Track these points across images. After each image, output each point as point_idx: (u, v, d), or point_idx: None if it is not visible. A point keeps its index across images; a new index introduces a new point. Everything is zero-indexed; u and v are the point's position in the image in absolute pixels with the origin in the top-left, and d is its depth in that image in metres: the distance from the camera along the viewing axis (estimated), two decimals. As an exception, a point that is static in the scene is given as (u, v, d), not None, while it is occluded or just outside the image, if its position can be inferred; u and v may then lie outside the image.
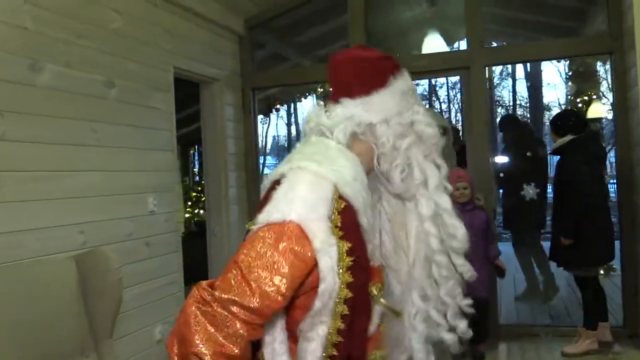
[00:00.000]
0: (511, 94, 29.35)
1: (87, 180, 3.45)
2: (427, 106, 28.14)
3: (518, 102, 29.11)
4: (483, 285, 4.07)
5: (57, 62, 3.25)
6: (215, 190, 4.99)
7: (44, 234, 3.08)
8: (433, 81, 27.31)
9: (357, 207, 1.31)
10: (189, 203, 8.46)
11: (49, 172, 3.18)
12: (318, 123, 1.42)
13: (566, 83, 15.51)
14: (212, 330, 1.15)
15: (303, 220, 1.22)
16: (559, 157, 4.60)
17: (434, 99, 30.09)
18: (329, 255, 1.23)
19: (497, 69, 28.98)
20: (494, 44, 7.73)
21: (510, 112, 29.28)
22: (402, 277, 1.47)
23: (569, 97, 8.80)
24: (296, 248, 1.21)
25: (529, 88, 26.76)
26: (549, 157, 6.26)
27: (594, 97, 7.97)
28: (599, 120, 8.67)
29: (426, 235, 1.43)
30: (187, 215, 8.41)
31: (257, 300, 1.17)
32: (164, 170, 4.20)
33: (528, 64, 23.41)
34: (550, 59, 9.34)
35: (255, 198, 5.49)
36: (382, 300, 1.43)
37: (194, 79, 4.82)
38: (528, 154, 5.55)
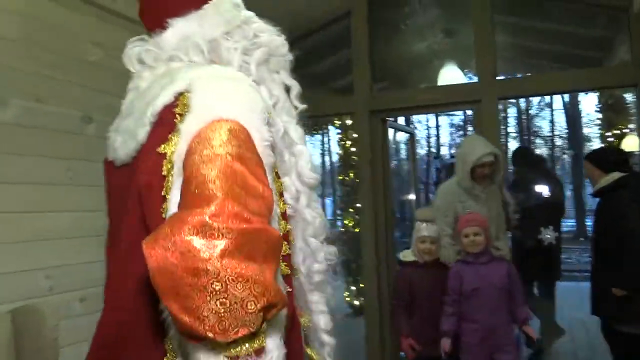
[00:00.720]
0: (550, 124, 28.75)
1: (57, 221, 3.27)
2: (463, 134, 27.38)
3: (557, 132, 28.46)
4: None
5: (25, 96, 3.10)
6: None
7: (4, 280, 2.89)
8: (468, 111, 26.94)
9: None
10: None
11: (13, 213, 3.00)
12: (159, 54, 1.20)
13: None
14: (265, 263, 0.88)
15: (247, 122, 1.01)
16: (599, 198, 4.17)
17: (469, 127, 29.66)
18: (269, 171, 1.03)
19: (535, 100, 28.51)
20: (519, 75, 7.42)
21: (548, 143, 28.60)
22: None
23: (599, 130, 8.36)
24: (251, 145, 0.99)
25: (567, 119, 26.11)
26: (589, 197, 5.79)
27: (626, 130, 7.52)
28: (633, 155, 8.20)
29: None
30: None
31: (265, 191, 0.95)
32: (148, 210, 3.99)
33: (566, 95, 22.85)
34: (568, 92, 8.94)
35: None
36: (285, 247, 1.19)
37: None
38: (546, 193, 5.13)
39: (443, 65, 6.27)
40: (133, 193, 1.08)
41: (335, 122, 8.04)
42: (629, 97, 7.62)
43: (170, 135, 1.03)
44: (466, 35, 5.75)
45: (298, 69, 5.00)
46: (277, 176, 1.11)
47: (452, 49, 6.26)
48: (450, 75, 6.22)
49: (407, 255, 3.90)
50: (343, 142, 7.67)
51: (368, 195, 4.92)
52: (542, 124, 29.81)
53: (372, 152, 4.94)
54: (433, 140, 32.08)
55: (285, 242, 1.07)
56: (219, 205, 0.88)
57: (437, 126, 31.83)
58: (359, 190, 5.10)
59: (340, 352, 1.30)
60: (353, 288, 7.47)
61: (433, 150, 31.05)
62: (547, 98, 27.32)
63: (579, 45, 6.00)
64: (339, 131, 7.94)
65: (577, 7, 4.93)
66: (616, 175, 4.00)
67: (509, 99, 9.46)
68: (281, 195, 1.12)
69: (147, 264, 0.86)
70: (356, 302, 7.17)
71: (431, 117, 30.91)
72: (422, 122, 31.52)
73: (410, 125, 27.50)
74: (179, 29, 1.19)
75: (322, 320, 1.27)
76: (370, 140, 4.95)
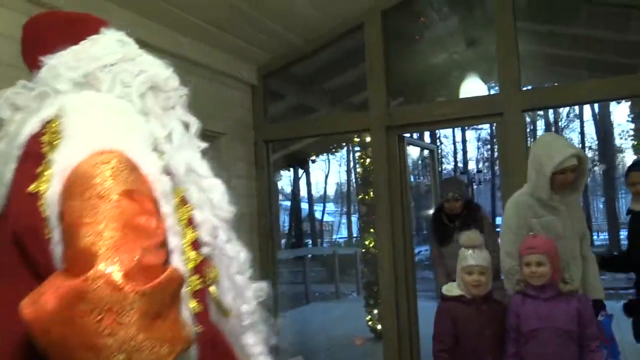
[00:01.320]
0: (579, 136, 28.10)
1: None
2: (490, 148, 26.76)
3: (588, 144, 27.78)
4: None
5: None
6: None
7: None
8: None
9: None
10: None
11: None
12: (29, 94, 1.15)
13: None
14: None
15: (130, 150, 0.95)
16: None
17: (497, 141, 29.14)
18: (166, 198, 0.98)
19: (564, 111, 27.91)
20: (545, 85, 7.11)
21: (579, 155, 27.84)
22: None
23: (632, 140, 7.98)
24: (139, 176, 0.94)
25: (597, 130, 25.46)
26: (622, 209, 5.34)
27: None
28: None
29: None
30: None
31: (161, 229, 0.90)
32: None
33: (596, 105, 22.27)
34: (598, 101, 8.55)
35: (270, 261, 5.00)
36: (213, 289, 1.11)
37: (194, 134, 4.43)
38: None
39: (464, 77, 6.00)
40: (6, 240, 0.97)
41: (355, 139, 7.79)
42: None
43: (39, 170, 0.93)
44: (488, 44, 5.48)
45: (313, 85, 4.71)
46: (183, 202, 1.05)
47: (474, 60, 5.99)
48: (473, 87, 5.94)
49: (451, 289, 3.25)
50: (362, 160, 7.41)
51: (385, 214, 4.63)
52: (572, 136, 29.16)
53: (389, 169, 4.66)
54: (460, 155, 31.63)
55: (198, 276, 1.01)
56: (113, 263, 0.78)
57: (464, 140, 31.37)
58: (376, 210, 4.80)
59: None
60: (375, 311, 7.15)
61: (460, 165, 30.58)
62: (577, 109, 26.74)
63: (612, 51, 5.65)
64: (358, 148, 7.70)
65: (608, 10, 4.60)
66: None
67: (535, 110, 9.01)
68: (189, 222, 1.05)
69: (31, 334, 0.78)
70: (379, 326, 6.85)
71: (457, 132, 30.51)
72: (449, 137, 31.15)
73: (437, 140, 27.27)
74: (52, 65, 1.13)
75: None
76: (387, 157, 4.67)
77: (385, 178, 4.65)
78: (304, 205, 29.10)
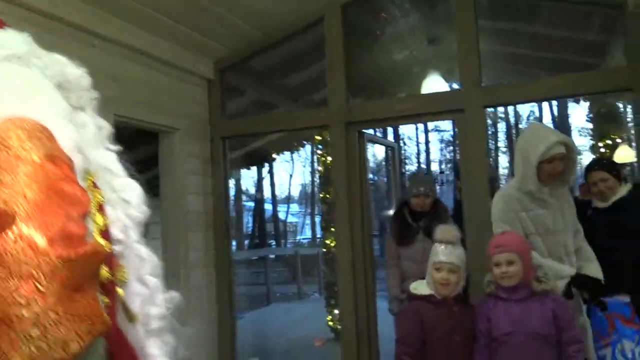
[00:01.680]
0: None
1: None
2: (452, 150, 26.98)
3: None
4: None
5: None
6: (174, 254, 4.35)
7: None
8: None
9: None
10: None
11: None
12: None
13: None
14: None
15: (46, 120, 0.86)
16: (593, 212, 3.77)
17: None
18: (80, 175, 0.88)
19: (524, 113, 28.39)
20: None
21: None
22: None
23: (591, 140, 8.09)
24: (57, 145, 0.83)
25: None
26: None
27: (619, 140, 7.21)
28: (627, 165, 7.93)
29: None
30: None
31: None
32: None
33: (555, 106, 22.70)
34: (559, 98, 8.66)
35: (226, 260, 4.85)
36: (121, 291, 0.99)
37: (146, 128, 4.26)
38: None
39: (426, 75, 5.95)
40: None
41: (317, 137, 7.67)
42: (622, 105, 7.34)
43: None
44: (450, 42, 5.44)
45: (273, 81, 4.56)
46: (95, 186, 0.95)
47: (436, 58, 5.95)
48: (434, 86, 5.89)
49: (419, 287, 3.00)
50: (324, 159, 7.30)
51: (344, 212, 4.53)
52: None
53: (348, 166, 4.56)
54: (423, 156, 31.87)
55: (108, 268, 0.91)
56: (36, 226, 0.69)
57: (427, 142, 31.60)
58: (335, 208, 4.70)
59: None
60: (336, 312, 7.05)
61: (423, 166, 30.80)
62: (536, 111, 27.23)
63: (573, 50, 5.68)
64: (320, 146, 7.60)
65: (568, 7, 4.60)
66: (629, 186, 3.64)
67: (496, 106, 9.09)
68: (100, 208, 0.93)
69: None
70: (339, 327, 6.75)
71: (421, 133, 30.74)
72: (412, 139, 31.34)
73: (400, 142, 27.36)
74: None
75: None
76: (346, 154, 4.56)
77: (344, 175, 4.55)
78: (268, 206, 28.88)
